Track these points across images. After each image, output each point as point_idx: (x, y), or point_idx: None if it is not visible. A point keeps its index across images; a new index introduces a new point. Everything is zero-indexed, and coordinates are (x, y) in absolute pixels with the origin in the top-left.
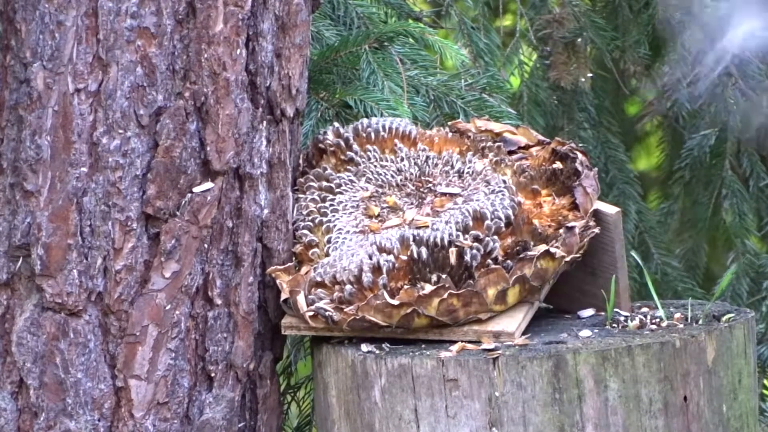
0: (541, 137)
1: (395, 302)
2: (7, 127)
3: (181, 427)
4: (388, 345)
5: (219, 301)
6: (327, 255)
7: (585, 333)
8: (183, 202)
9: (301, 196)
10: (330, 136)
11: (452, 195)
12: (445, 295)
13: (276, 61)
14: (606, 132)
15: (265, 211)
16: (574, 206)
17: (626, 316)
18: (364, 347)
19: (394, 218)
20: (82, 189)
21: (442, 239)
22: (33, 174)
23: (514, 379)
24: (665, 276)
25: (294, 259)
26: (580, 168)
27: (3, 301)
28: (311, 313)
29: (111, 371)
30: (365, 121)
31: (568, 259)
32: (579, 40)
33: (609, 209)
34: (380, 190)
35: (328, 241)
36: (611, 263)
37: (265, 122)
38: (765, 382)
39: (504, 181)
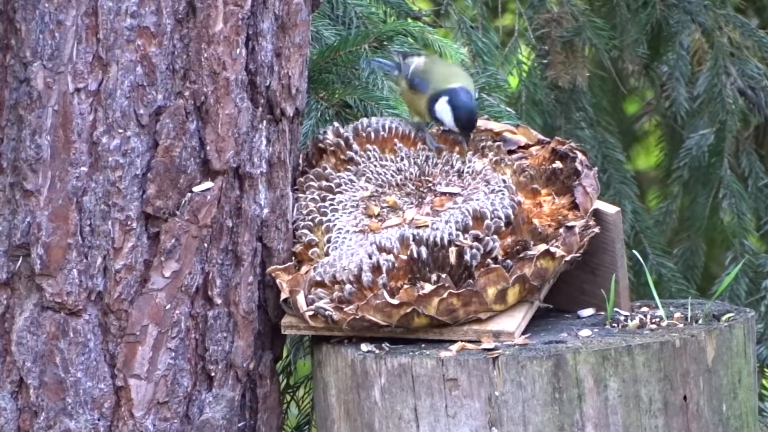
0: (540, 136)
1: (395, 302)
2: (7, 127)
3: (180, 426)
4: (387, 344)
5: (219, 301)
6: (327, 254)
7: (585, 332)
8: (183, 201)
9: (301, 195)
10: (330, 136)
11: (452, 194)
12: (445, 295)
13: (276, 61)
14: (603, 131)
15: (265, 210)
16: (574, 205)
17: (626, 316)
18: (364, 347)
19: (393, 218)
20: (82, 188)
21: (441, 239)
22: (33, 173)
23: (513, 378)
24: (660, 277)
25: (294, 258)
26: (579, 167)
27: (3, 301)
28: (311, 313)
29: (111, 371)
30: (365, 120)
31: (568, 258)
32: (577, 39)
33: (609, 208)
34: (380, 189)
35: (328, 241)
36: (611, 263)
37: (264, 122)
38: (764, 382)
39: (504, 181)
